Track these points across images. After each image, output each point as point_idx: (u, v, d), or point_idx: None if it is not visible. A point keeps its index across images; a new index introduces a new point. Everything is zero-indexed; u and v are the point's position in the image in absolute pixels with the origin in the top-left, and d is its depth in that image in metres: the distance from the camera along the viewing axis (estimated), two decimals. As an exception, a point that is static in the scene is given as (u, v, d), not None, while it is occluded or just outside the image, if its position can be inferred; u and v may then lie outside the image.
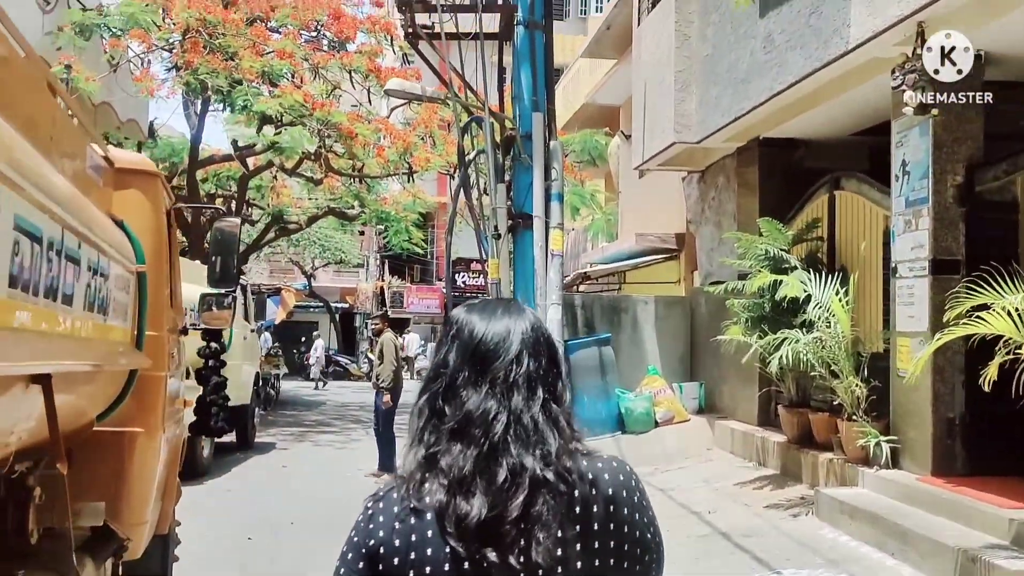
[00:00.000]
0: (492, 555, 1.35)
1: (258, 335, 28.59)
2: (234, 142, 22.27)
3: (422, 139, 18.72)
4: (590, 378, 10.63)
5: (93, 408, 4.10)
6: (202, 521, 8.97)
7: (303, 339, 37.39)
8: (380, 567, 1.41)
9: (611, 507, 1.45)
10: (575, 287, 16.98)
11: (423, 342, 36.31)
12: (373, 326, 14.44)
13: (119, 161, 4.64)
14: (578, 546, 1.39)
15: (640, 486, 1.55)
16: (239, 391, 14.38)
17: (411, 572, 1.38)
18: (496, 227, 10.51)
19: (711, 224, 11.53)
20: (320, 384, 31.24)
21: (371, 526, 1.44)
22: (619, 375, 10.98)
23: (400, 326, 38.90)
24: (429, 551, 1.38)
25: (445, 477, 1.39)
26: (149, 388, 4.69)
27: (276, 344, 29.78)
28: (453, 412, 1.43)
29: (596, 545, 1.42)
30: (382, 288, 39.11)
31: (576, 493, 1.42)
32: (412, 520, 1.41)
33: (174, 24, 16.59)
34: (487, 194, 11.27)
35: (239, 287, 15.05)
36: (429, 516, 1.40)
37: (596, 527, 1.42)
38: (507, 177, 11.07)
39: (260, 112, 16.12)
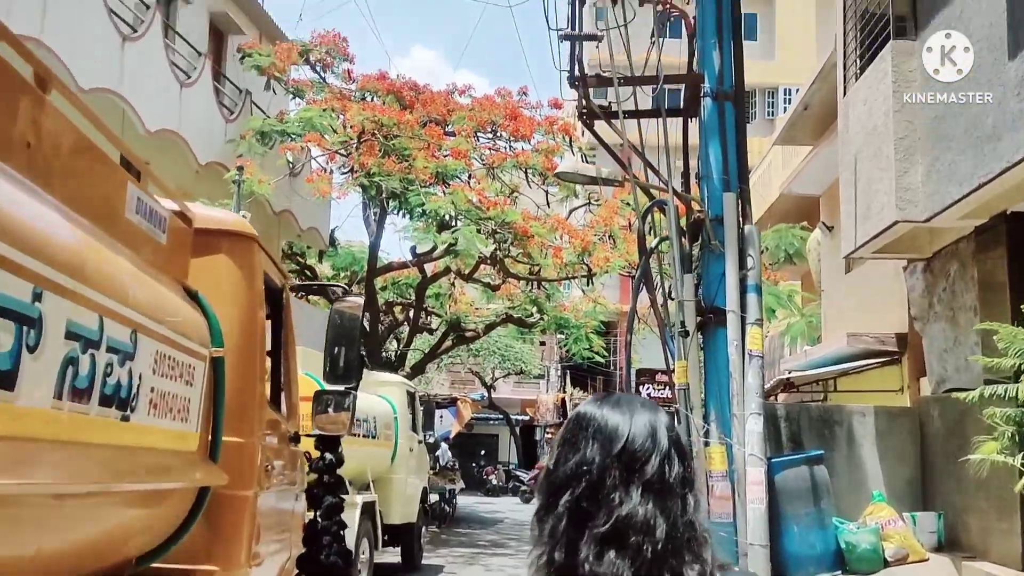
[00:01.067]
0: None
1: (433, 448, 27.92)
2: (412, 248, 22.01)
3: (601, 239, 17.67)
4: (800, 504, 8.86)
5: (131, 541, 3.00)
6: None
7: (483, 452, 36.50)
8: None
9: None
10: (774, 396, 15.17)
11: (606, 456, 34.60)
12: (548, 436, 13.15)
13: (201, 220, 3.66)
14: None
15: None
16: (404, 507, 13.37)
17: None
18: (683, 324, 9.12)
19: (942, 321, 9.67)
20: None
21: None
22: (835, 501, 9.16)
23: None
24: None
25: None
26: (228, 512, 3.58)
27: (453, 458, 28.92)
28: (605, 516, 1.29)
29: None
30: (563, 400, 37.93)
31: None
32: None
33: (350, 127, 16.49)
34: (672, 298, 9.96)
35: (407, 393, 14.20)
36: None
37: None
38: (695, 267, 9.73)
39: (433, 212, 15.55)
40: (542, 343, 41.28)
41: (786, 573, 8.76)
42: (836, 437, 10.08)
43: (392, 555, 14.25)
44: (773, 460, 9.09)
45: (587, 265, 18.75)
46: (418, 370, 24.40)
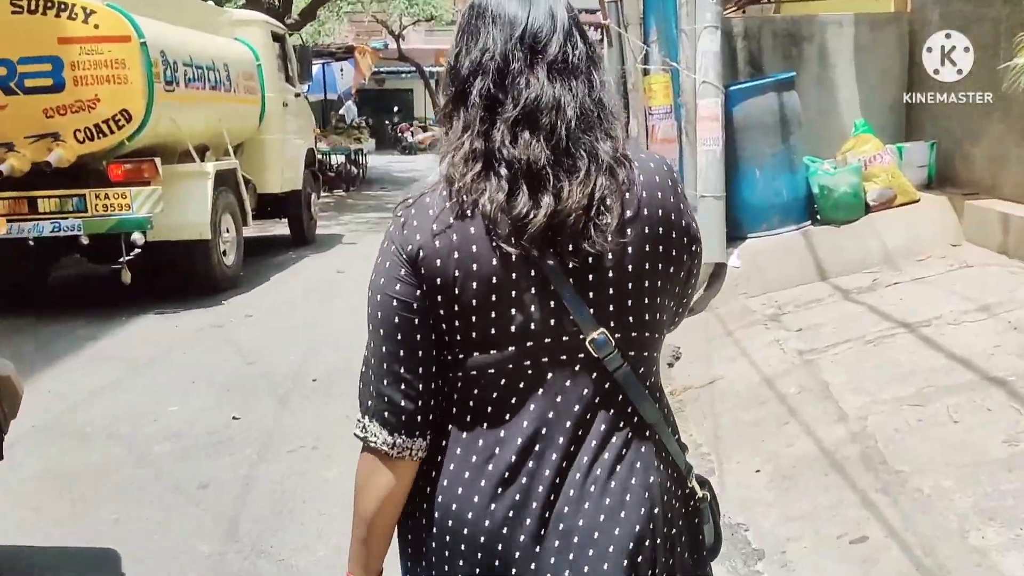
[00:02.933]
0: (550, 259, 1.28)
1: (336, 105, 25.29)
2: None
3: None
4: (764, 143, 6.86)
5: None
6: (179, 378, 5.99)
7: (396, 108, 33.99)
8: (422, 271, 1.30)
9: (659, 193, 1.35)
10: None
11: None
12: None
13: None
14: (630, 231, 1.31)
15: (676, 175, 1.42)
16: (283, 173, 11.20)
17: (456, 271, 1.29)
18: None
19: None
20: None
21: (406, 232, 1.32)
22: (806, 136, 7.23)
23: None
24: (475, 248, 1.29)
25: (509, 171, 1.27)
26: None
27: (360, 116, 26.44)
28: (513, 101, 1.28)
29: (647, 230, 1.33)
30: (480, 47, 34.86)
31: (627, 178, 1.32)
32: (453, 221, 1.29)
33: None
34: None
35: (272, 35, 11.39)
36: (474, 217, 1.28)
37: (646, 212, 1.33)
38: None
39: None
40: (454, -15, 37.31)
41: (745, 227, 6.98)
42: (805, 57, 7.97)
43: (281, 227, 12.37)
44: (731, 88, 6.96)
45: None
46: (308, 16, 21.13)
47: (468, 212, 1.28)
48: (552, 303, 1.29)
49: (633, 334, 1.33)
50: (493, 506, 1.31)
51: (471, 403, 1.34)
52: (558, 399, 1.32)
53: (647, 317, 1.34)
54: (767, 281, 6.64)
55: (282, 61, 11.48)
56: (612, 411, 1.33)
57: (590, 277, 1.30)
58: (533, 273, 1.28)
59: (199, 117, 8.83)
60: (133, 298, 8.24)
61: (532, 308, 1.29)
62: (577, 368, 1.32)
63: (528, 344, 1.30)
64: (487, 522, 1.31)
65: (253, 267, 9.93)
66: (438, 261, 1.28)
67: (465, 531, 1.32)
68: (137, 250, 7.75)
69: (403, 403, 1.32)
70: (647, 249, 1.32)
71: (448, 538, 1.33)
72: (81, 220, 7.70)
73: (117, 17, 7.49)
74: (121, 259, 7.79)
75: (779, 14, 8.88)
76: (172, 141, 8.37)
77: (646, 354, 1.36)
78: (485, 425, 1.33)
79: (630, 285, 1.32)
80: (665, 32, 6.96)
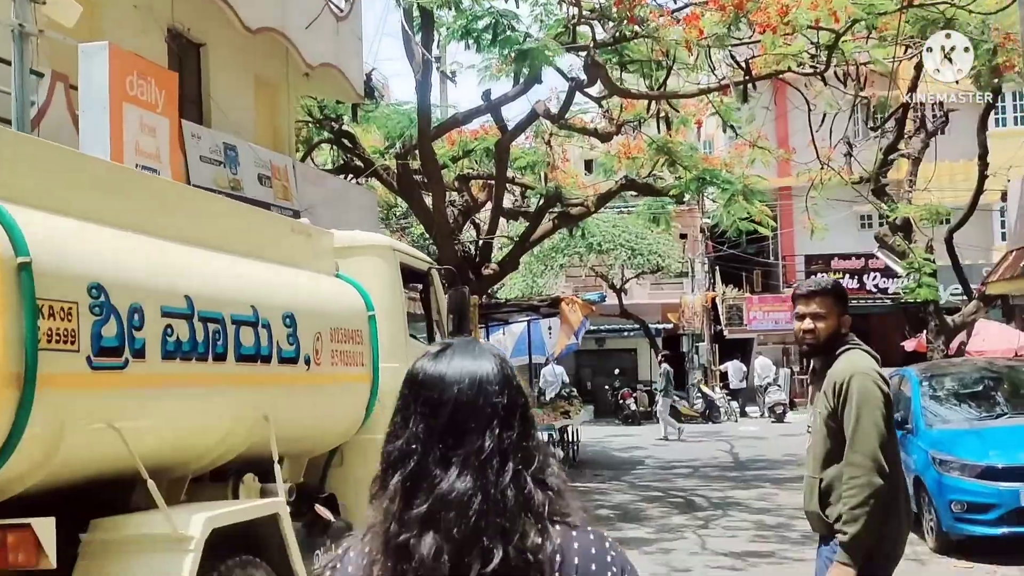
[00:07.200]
0: None
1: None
2: (486, 94, 14.94)
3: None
4: None
5: None
6: None
7: (617, 371, 29.57)
8: None
9: None
10: None
11: (774, 368, 27.13)
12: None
13: None
14: None
15: (618, 563, 1.44)
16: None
17: None
18: None
19: None
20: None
21: None
22: None
23: (740, 349, 30.14)
24: None
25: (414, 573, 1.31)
26: None
27: (569, 384, 21.98)
28: (425, 495, 1.37)
29: None
30: (713, 300, 30.48)
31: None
32: None
33: None
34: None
35: (402, 268, 7.13)
36: None
37: None
38: None
39: None
40: (683, 236, 33.66)
41: None
42: None
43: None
44: None
45: (741, 65, 11.35)
46: (509, 266, 17.43)
47: None
48: None
49: None
50: None
51: None
52: None
53: None
54: None
55: (425, 311, 7.24)
56: None
57: None
58: None
59: (208, 416, 4.51)
60: None
61: None
62: None
63: None
64: None
65: None
66: None
67: None
68: None
69: None
70: None
71: None
72: None
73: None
74: None
75: None
76: (119, 469, 4.01)
77: None
78: None
79: None
80: None
